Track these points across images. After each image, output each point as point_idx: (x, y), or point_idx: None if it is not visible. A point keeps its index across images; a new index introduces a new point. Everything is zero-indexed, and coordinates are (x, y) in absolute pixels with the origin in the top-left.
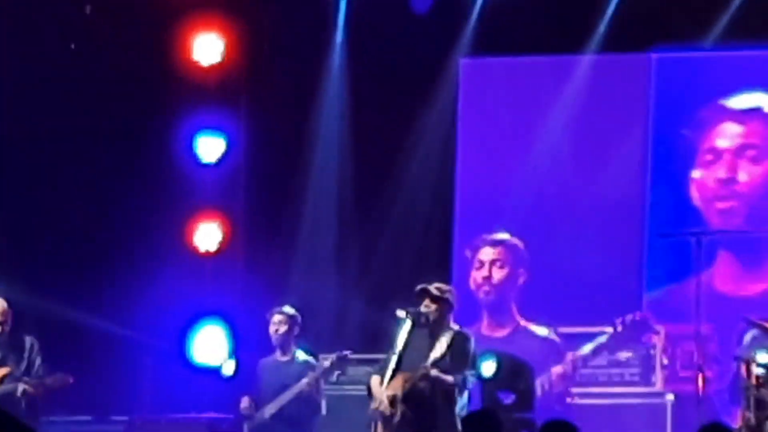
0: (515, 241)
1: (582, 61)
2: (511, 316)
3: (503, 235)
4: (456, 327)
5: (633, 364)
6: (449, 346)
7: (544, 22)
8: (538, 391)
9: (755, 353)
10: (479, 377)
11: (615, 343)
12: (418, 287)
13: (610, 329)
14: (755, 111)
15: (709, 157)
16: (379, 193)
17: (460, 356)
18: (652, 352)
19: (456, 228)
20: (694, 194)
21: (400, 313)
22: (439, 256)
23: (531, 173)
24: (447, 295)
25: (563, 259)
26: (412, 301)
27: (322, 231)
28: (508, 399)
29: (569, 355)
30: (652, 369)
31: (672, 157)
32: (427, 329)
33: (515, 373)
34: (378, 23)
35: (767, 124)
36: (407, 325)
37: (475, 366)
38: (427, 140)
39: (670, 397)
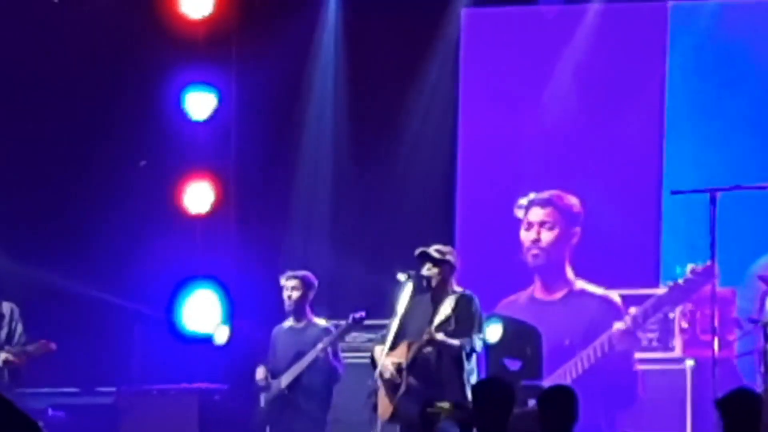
0: (568, 200)
1: (591, 9)
2: (564, 278)
3: (553, 195)
4: (459, 289)
5: (651, 328)
6: (453, 310)
7: None
8: (598, 353)
9: None
10: (484, 342)
11: (676, 297)
12: (418, 250)
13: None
14: None
15: None
16: (377, 150)
17: (465, 319)
18: (671, 315)
19: (458, 186)
20: None
21: (401, 277)
22: (442, 216)
23: (538, 128)
24: (448, 257)
25: None
26: (413, 264)
27: (318, 191)
28: (515, 366)
29: (630, 310)
30: (671, 333)
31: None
32: (429, 293)
33: (522, 338)
34: None
35: None
36: (408, 289)
37: (481, 328)
38: (428, 95)
39: (690, 362)
